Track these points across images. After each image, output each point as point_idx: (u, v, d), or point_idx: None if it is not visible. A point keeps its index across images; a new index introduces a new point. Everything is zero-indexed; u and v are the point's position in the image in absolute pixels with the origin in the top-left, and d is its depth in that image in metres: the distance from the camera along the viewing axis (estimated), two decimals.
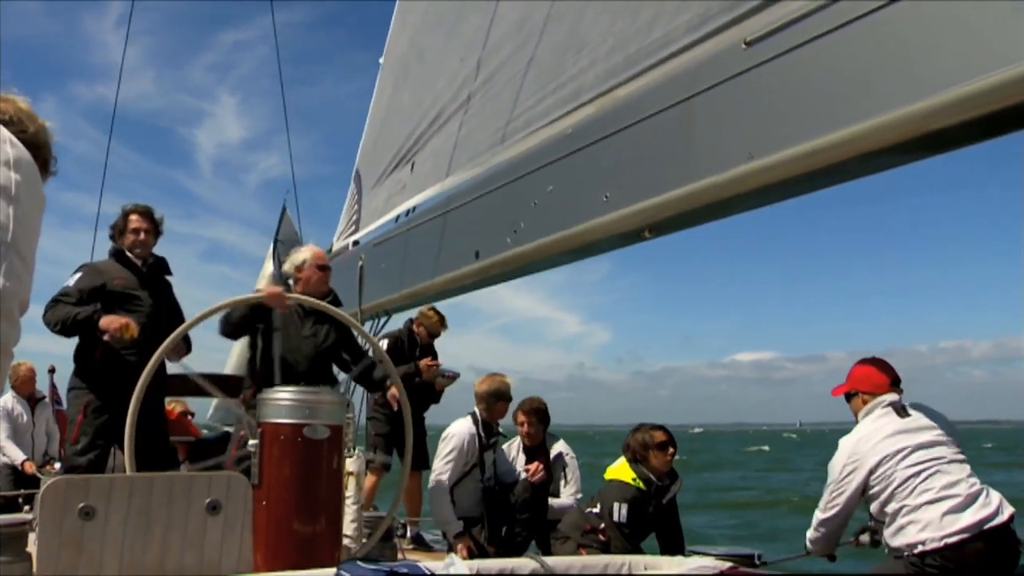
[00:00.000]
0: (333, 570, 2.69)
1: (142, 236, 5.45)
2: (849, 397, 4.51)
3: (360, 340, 5.71)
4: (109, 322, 4.96)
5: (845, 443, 4.31)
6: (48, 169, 2.05)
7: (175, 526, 3.21)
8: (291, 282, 5.51)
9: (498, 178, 5.38)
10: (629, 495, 5.26)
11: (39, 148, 1.98)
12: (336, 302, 5.63)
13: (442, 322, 7.40)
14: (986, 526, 3.89)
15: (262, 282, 10.38)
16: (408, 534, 6.72)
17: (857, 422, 4.42)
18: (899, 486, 4.03)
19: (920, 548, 3.90)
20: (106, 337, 4.96)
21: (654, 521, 5.41)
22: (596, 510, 5.32)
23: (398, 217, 7.12)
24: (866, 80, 3.02)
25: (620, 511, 5.20)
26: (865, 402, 4.38)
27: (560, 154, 4.69)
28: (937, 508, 3.93)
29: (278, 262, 10.20)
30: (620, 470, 5.45)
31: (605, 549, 5.12)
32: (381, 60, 8.43)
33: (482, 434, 5.93)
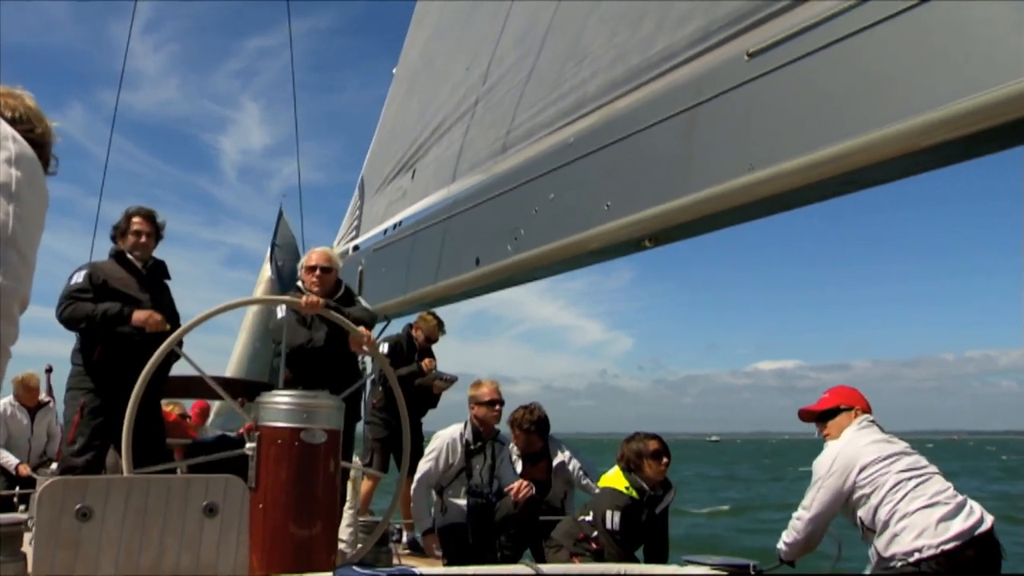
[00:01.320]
0: (329, 574, 2.69)
1: (143, 239, 5.48)
2: (831, 415, 4.57)
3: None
4: (147, 317, 5.03)
5: (833, 444, 4.37)
6: (48, 169, 2.05)
7: (172, 528, 3.21)
8: (299, 283, 5.58)
9: (499, 185, 5.40)
10: (622, 503, 5.27)
11: (44, 148, 1.98)
12: (349, 295, 5.66)
13: (440, 327, 7.43)
14: (975, 533, 3.95)
15: (260, 286, 10.39)
16: (404, 539, 6.72)
17: (834, 439, 4.50)
18: (890, 490, 4.06)
19: (917, 555, 3.93)
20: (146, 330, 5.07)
21: (646, 530, 5.42)
22: (589, 518, 5.33)
23: (397, 224, 7.15)
24: (868, 92, 3.04)
25: (613, 519, 5.20)
26: (851, 418, 4.46)
27: (561, 162, 4.71)
28: (931, 514, 3.97)
29: (276, 266, 10.22)
30: (614, 479, 5.45)
31: (598, 557, 5.12)
32: (395, 70, 8.52)
33: (470, 439, 5.92)
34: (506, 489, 5.69)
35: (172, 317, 5.48)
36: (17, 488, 7.63)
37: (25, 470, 8.13)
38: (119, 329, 5.14)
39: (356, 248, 8.08)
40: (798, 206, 3.62)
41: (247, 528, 3.43)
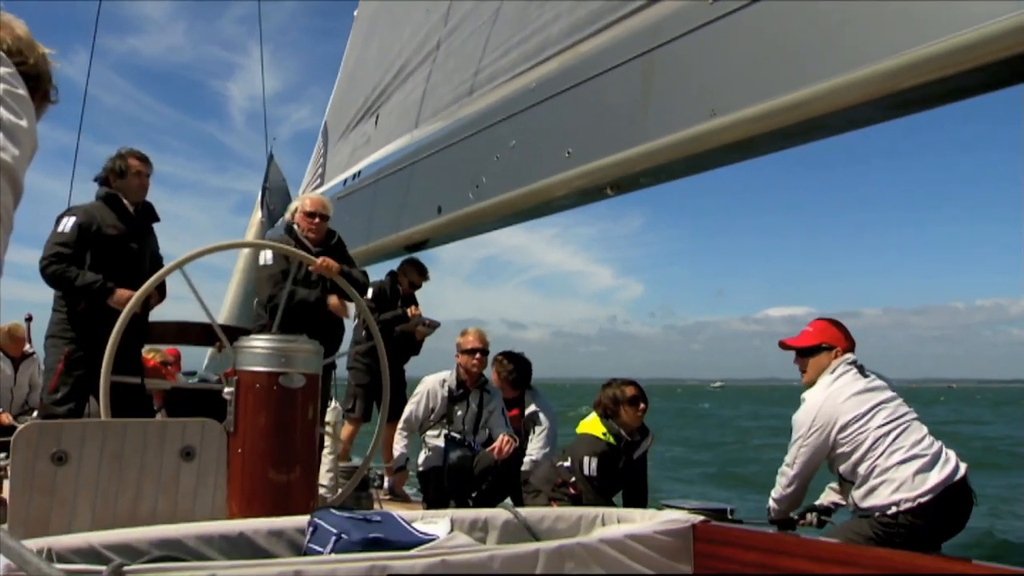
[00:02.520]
0: (307, 517, 2.68)
1: (147, 181, 5.40)
2: (812, 352, 4.52)
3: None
4: (127, 299, 4.93)
5: (813, 398, 4.34)
6: (48, 99, 1.98)
7: (149, 472, 3.20)
8: (295, 227, 5.54)
9: (462, 131, 5.34)
10: (599, 449, 5.30)
11: (40, 79, 1.91)
12: (341, 245, 5.63)
13: (423, 273, 7.40)
14: (950, 483, 4.04)
15: (252, 230, 10.28)
16: (386, 484, 6.76)
17: (809, 379, 4.48)
18: (871, 447, 4.09)
19: (894, 509, 4.00)
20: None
21: (624, 476, 5.45)
22: (567, 464, 5.36)
23: (358, 173, 7.09)
24: (833, 37, 2.97)
25: (590, 465, 5.24)
26: (832, 358, 4.42)
27: (522, 107, 4.64)
28: (908, 468, 4.03)
29: (267, 210, 10.12)
30: (591, 425, 5.49)
31: (576, 502, 5.16)
32: (355, 12, 8.34)
33: (453, 386, 5.93)
34: (489, 449, 5.70)
35: (156, 262, 5.43)
36: None
37: (7, 419, 8.11)
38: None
39: (310, 194, 8.03)
40: (763, 153, 3.58)
41: (225, 472, 3.43)
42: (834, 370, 4.38)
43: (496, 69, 5.11)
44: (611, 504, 5.30)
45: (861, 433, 4.13)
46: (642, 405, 5.47)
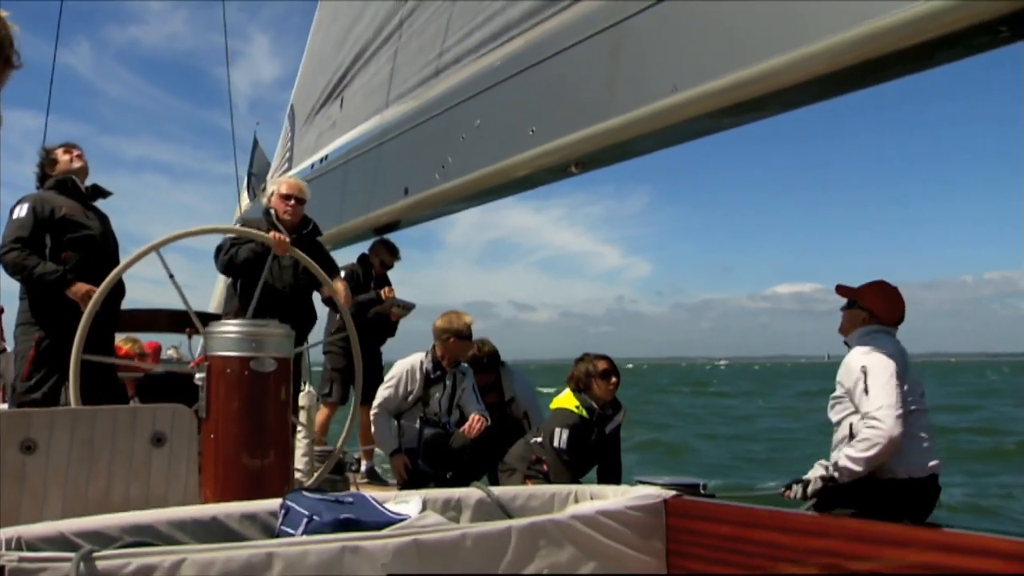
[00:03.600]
0: (279, 500, 2.68)
1: (82, 163, 5.38)
2: (851, 306, 4.54)
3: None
4: (82, 297, 4.88)
5: (882, 343, 4.31)
6: (11, 64, 1.96)
7: (120, 459, 3.18)
8: (271, 211, 5.50)
9: (426, 112, 5.32)
10: (571, 422, 5.34)
11: (1, 44, 1.90)
12: (316, 231, 5.60)
13: (395, 253, 7.38)
14: (936, 471, 4.24)
15: (237, 214, 10.19)
16: (363, 468, 6.76)
17: (844, 330, 4.54)
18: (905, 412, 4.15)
19: (889, 475, 4.13)
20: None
21: (596, 450, 5.48)
22: (540, 440, 5.39)
23: (325, 157, 7.06)
24: (796, 8, 2.97)
25: (560, 437, 5.28)
26: (865, 322, 4.44)
27: (486, 86, 4.63)
28: (916, 444, 4.18)
29: (252, 195, 10.03)
30: (564, 399, 5.54)
31: (551, 479, 5.20)
32: None
33: (429, 368, 5.92)
34: (462, 429, 5.70)
35: (113, 244, 5.41)
36: None
37: None
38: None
39: (287, 177, 7.99)
40: (727, 128, 3.58)
41: (196, 457, 3.42)
42: (886, 333, 4.42)
43: (460, 50, 5.10)
44: (579, 479, 5.34)
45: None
46: (614, 379, 5.52)
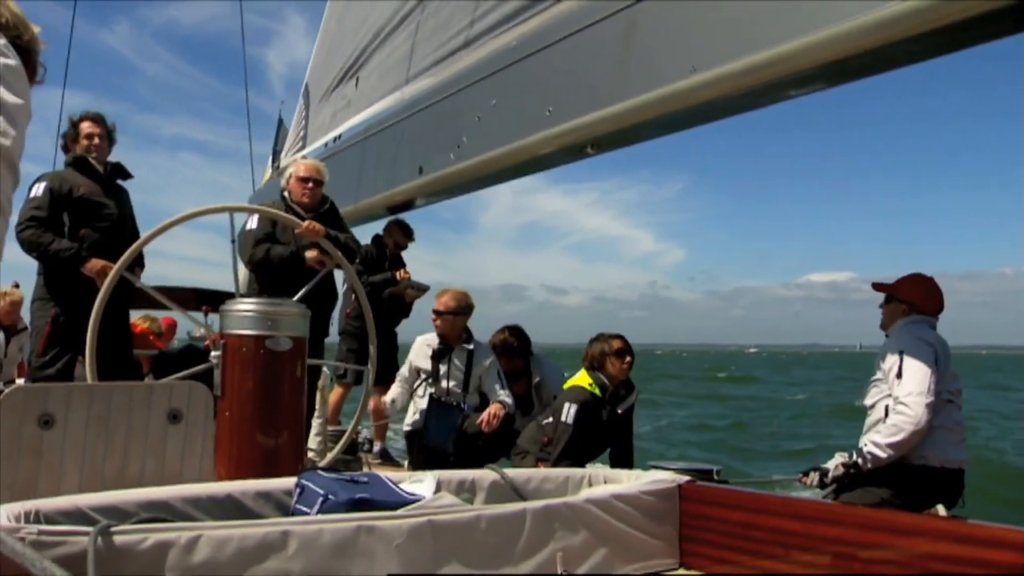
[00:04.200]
0: (294, 479, 2.70)
1: (96, 140, 5.37)
2: (891, 300, 4.53)
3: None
4: (100, 270, 4.92)
5: (923, 332, 4.32)
6: (35, 78, 2.02)
7: (136, 435, 3.20)
8: (285, 194, 5.47)
9: (442, 91, 5.28)
10: (582, 398, 5.35)
11: (31, 55, 1.95)
12: (333, 210, 5.58)
13: (409, 234, 7.38)
14: (964, 466, 4.26)
15: (262, 185, 10.15)
16: (375, 448, 6.78)
17: (885, 325, 4.53)
18: (936, 405, 4.14)
19: (923, 462, 4.13)
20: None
21: (608, 431, 5.48)
22: (551, 419, 5.40)
23: (339, 137, 7.05)
24: None
25: (568, 411, 5.28)
26: (906, 314, 4.44)
27: (503, 65, 4.59)
28: (953, 436, 4.21)
29: (278, 170, 10.01)
30: (578, 378, 5.57)
31: (553, 459, 5.21)
32: None
33: (435, 345, 5.95)
34: (478, 422, 5.66)
35: (132, 223, 5.43)
36: None
37: None
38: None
39: (304, 159, 7.98)
40: (747, 110, 3.51)
41: (212, 434, 3.43)
42: (927, 323, 4.43)
43: (477, 29, 5.06)
44: (589, 460, 5.34)
45: (937, 385, 4.18)
46: (628, 358, 5.53)
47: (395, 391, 5.99)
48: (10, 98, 1.64)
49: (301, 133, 8.27)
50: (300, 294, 4.35)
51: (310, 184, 5.42)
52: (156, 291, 4.47)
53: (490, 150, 4.67)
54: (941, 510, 4.12)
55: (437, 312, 5.97)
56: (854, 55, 2.84)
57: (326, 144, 7.45)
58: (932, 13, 2.58)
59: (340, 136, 7.14)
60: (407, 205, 6.32)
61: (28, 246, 5.05)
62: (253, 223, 5.39)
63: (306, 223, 4.93)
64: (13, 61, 1.71)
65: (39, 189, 5.15)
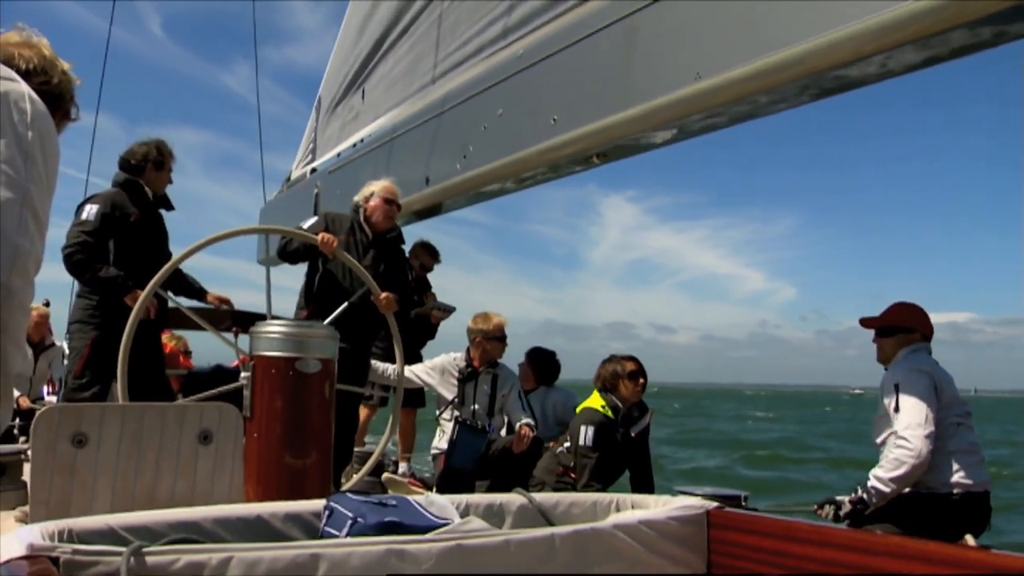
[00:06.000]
0: (323, 501, 2.71)
1: (168, 182, 5.51)
2: (890, 332, 4.50)
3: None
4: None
5: (921, 361, 4.31)
6: (68, 117, 2.03)
7: (167, 455, 3.23)
8: (359, 210, 5.46)
9: (449, 100, 5.30)
10: (596, 419, 5.35)
11: (62, 97, 1.96)
12: (400, 239, 5.58)
13: (435, 256, 7.42)
14: (986, 487, 4.22)
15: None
16: (401, 470, 6.79)
17: (886, 358, 4.49)
18: (943, 431, 4.16)
19: (947, 489, 4.12)
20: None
21: (624, 453, 5.46)
22: (567, 445, 5.39)
23: (355, 144, 7.10)
24: None
25: (586, 434, 5.28)
26: (909, 342, 4.43)
27: (508, 74, 4.60)
28: (969, 459, 4.18)
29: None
30: (591, 400, 5.57)
31: (577, 486, 5.20)
32: None
33: (462, 367, 5.98)
34: (508, 445, 5.66)
35: (168, 251, 5.48)
36: (18, 420, 7.67)
37: (25, 402, 8.17)
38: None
39: (314, 171, 8.05)
40: (753, 117, 3.47)
41: (242, 455, 3.45)
42: (925, 351, 4.42)
43: (481, 41, 5.09)
44: (608, 486, 5.32)
45: (943, 417, 4.18)
46: (641, 380, 5.54)
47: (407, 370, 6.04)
48: (42, 205, 1.65)
49: (311, 146, 8.33)
50: (331, 317, 4.38)
51: (393, 206, 5.38)
52: (191, 312, 4.52)
53: (496, 160, 4.68)
54: (970, 540, 4.09)
55: (493, 337, 5.99)
56: (862, 57, 2.80)
57: (339, 155, 7.49)
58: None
59: (355, 145, 7.19)
60: (419, 215, 6.34)
61: (76, 269, 5.07)
62: (307, 224, 5.37)
63: (320, 235, 4.91)
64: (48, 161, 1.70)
65: (91, 213, 5.15)
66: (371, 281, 4.79)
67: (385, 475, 5.51)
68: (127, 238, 5.19)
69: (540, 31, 4.52)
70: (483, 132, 4.83)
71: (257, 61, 10.03)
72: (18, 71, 1.79)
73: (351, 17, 7.80)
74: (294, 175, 8.64)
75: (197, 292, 5.69)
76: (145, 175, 5.40)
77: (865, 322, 4.62)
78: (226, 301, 5.76)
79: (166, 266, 4.29)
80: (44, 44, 1.97)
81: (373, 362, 5.95)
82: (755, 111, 3.39)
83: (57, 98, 1.90)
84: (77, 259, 5.03)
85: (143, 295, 4.17)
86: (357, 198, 5.46)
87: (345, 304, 4.74)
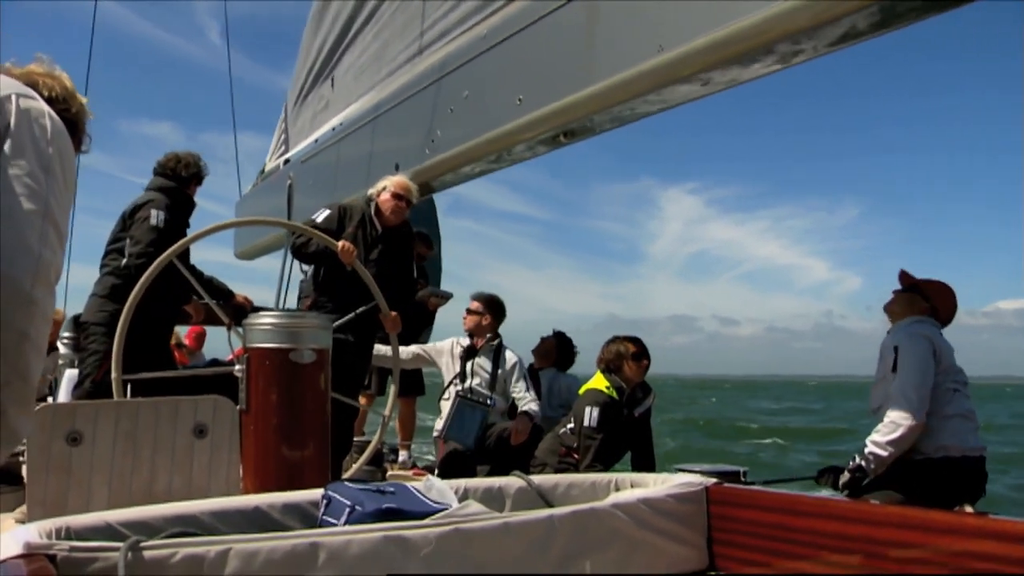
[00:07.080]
0: (321, 490, 2.70)
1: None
2: (907, 290, 4.53)
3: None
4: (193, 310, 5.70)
5: (922, 332, 4.32)
6: (81, 148, 2.11)
7: (162, 450, 3.22)
8: (371, 203, 5.38)
9: (414, 85, 5.27)
10: (601, 400, 5.36)
11: (77, 127, 2.04)
12: (409, 235, 5.52)
13: (430, 245, 7.39)
14: (982, 453, 4.26)
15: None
16: (399, 459, 6.79)
17: (891, 313, 4.55)
18: (940, 395, 4.20)
19: (943, 453, 4.16)
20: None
21: (627, 434, 5.47)
22: (570, 426, 5.39)
23: (327, 133, 7.09)
24: None
25: (591, 415, 5.29)
26: (918, 311, 4.46)
27: (472, 55, 4.57)
28: (965, 424, 4.22)
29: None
30: (594, 381, 5.57)
31: (580, 467, 5.21)
32: None
33: (463, 345, 6.01)
34: (506, 434, 5.66)
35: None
36: None
37: None
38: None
39: (287, 162, 8.02)
40: (722, 89, 3.42)
41: (238, 448, 3.44)
42: (929, 323, 4.43)
43: (447, 24, 5.06)
44: (611, 466, 5.33)
45: (940, 382, 4.23)
46: (644, 361, 5.54)
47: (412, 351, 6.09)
48: (61, 220, 1.68)
49: (283, 137, 8.29)
50: (340, 322, 4.42)
51: (403, 202, 5.30)
52: (218, 308, 4.56)
53: (463, 142, 4.65)
54: (968, 510, 4.10)
55: (468, 311, 6.08)
56: (822, 23, 2.76)
57: (316, 141, 7.45)
58: None
59: (324, 135, 7.17)
60: None
61: (139, 273, 5.08)
62: (320, 218, 5.31)
63: (341, 243, 4.82)
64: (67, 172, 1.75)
65: (159, 219, 5.29)
66: (381, 299, 4.75)
67: (390, 473, 5.52)
68: (171, 243, 5.28)
69: (504, 11, 4.48)
70: (450, 115, 4.80)
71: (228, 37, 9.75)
72: (41, 96, 1.85)
73: (315, 5, 7.76)
74: (268, 167, 8.63)
75: (224, 294, 5.83)
76: (190, 188, 5.63)
77: (902, 274, 4.66)
78: (248, 301, 5.97)
79: (183, 240, 4.48)
80: (65, 76, 2.08)
81: (376, 345, 5.95)
82: (723, 82, 3.33)
83: (73, 126, 1.96)
84: (142, 263, 5.03)
85: (140, 282, 4.19)
86: (371, 191, 5.38)
87: (351, 315, 4.74)
